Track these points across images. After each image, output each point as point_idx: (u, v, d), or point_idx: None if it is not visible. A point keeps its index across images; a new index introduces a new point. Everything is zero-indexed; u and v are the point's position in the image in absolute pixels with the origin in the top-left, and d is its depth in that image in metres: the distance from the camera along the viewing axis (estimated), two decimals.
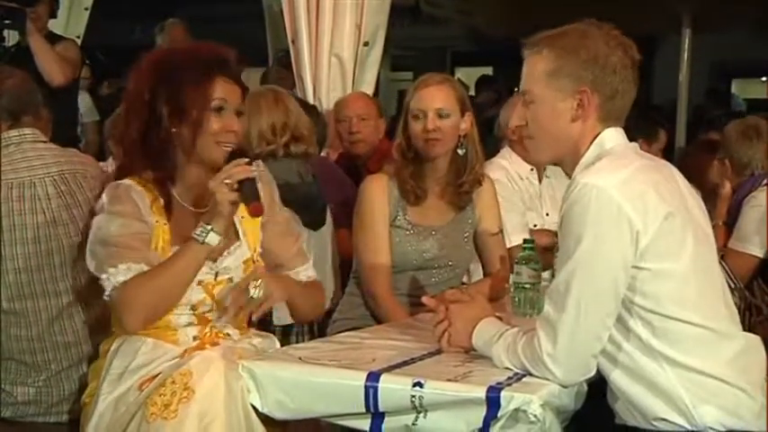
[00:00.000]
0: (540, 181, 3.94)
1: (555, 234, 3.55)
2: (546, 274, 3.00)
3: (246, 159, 2.46)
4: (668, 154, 5.72)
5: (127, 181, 2.51)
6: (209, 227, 2.41)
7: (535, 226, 3.82)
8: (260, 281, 2.45)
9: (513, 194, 3.77)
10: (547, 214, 3.89)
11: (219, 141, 2.50)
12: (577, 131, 2.22)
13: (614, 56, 2.19)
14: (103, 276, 2.40)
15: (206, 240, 2.41)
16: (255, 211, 2.44)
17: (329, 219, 3.72)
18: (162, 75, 2.49)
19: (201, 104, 2.46)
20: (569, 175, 2.24)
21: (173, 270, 2.42)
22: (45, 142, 2.87)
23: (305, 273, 2.72)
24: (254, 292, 2.43)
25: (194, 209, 2.56)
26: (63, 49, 5.08)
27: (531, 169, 3.91)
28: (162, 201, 2.51)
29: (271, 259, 2.67)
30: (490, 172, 3.44)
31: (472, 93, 9.08)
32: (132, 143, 2.51)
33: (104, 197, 2.50)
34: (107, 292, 2.40)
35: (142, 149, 2.50)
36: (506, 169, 3.87)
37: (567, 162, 2.28)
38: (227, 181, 2.39)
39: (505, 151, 3.97)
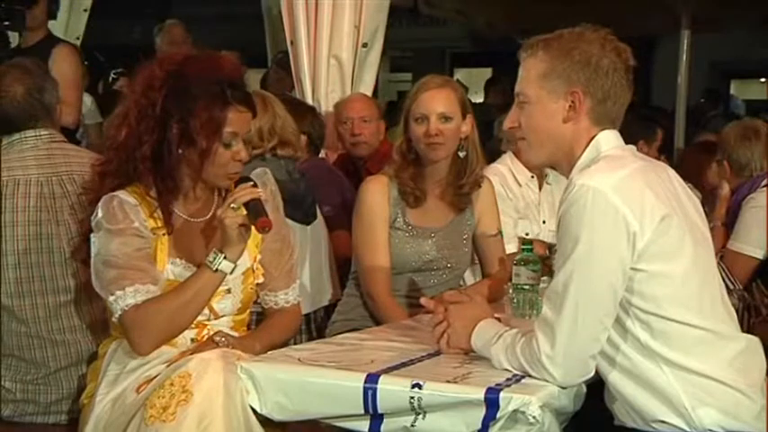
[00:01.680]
0: (540, 188, 3.93)
1: (548, 246, 3.58)
2: (543, 278, 2.99)
3: (251, 183, 2.47)
4: (668, 155, 5.73)
5: (121, 194, 2.49)
6: (222, 254, 2.41)
7: (527, 234, 3.80)
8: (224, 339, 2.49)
9: (506, 203, 3.75)
10: (543, 222, 3.88)
11: (228, 172, 2.50)
12: (570, 133, 2.23)
13: (607, 59, 2.19)
14: (111, 299, 2.41)
15: (219, 268, 2.41)
16: (263, 226, 2.43)
17: (319, 214, 3.72)
18: (175, 92, 2.45)
19: (212, 136, 2.45)
20: (566, 178, 2.25)
21: (185, 297, 2.43)
22: (60, 142, 2.90)
23: (285, 297, 2.72)
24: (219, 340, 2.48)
25: (193, 219, 2.57)
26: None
27: (532, 176, 3.88)
28: (161, 213, 2.50)
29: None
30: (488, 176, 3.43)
31: (479, 94, 9.08)
32: (144, 159, 2.47)
33: (99, 212, 2.48)
34: (116, 315, 2.41)
35: (152, 167, 2.48)
36: (504, 175, 3.84)
37: (562, 164, 2.29)
38: (232, 206, 2.40)
39: (507, 156, 3.93)
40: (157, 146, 2.46)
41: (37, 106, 2.87)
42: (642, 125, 5.01)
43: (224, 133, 2.46)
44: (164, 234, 2.51)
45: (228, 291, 2.56)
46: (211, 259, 2.42)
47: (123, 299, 2.39)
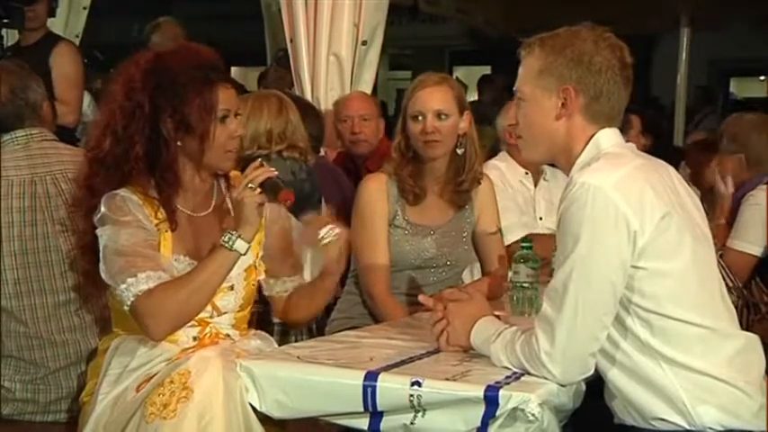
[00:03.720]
0: (535, 185, 3.95)
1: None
2: None
3: (260, 161, 2.48)
4: (666, 153, 5.72)
5: (122, 191, 2.48)
6: (237, 234, 2.40)
7: None
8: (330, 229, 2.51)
9: (507, 195, 3.77)
10: (540, 218, 3.90)
11: (227, 150, 2.51)
12: (564, 130, 2.23)
13: (600, 56, 2.19)
14: (122, 287, 2.37)
15: (234, 247, 2.40)
16: (286, 199, 2.45)
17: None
18: (161, 86, 2.45)
19: (208, 117, 2.46)
20: (566, 175, 2.25)
21: (200, 278, 2.41)
22: (52, 140, 2.89)
23: (292, 284, 2.73)
24: (325, 234, 2.50)
25: (195, 214, 2.57)
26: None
27: (526, 173, 3.93)
28: (163, 211, 2.50)
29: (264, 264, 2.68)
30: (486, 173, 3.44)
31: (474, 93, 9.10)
32: (137, 160, 2.47)
33: (103, 208, 2.47)
34: (128, 302, 2.37)
35: (148, 165, 2.48)
36: (502, 171, 3.88)
37: (561, 162, 2.30)
38: (250, 185, 2.40)
39: (502, 155, 4.00)
40: (151, 144, 2.46)
41: (23, 106, 2.86)
42: None
43: (218, 111, 2.47)
44: (167, 230, 2.51)
45: (231, 288, 2.56)
46: (226, 239, 2.40)
47: (136, 285, 2.36)
